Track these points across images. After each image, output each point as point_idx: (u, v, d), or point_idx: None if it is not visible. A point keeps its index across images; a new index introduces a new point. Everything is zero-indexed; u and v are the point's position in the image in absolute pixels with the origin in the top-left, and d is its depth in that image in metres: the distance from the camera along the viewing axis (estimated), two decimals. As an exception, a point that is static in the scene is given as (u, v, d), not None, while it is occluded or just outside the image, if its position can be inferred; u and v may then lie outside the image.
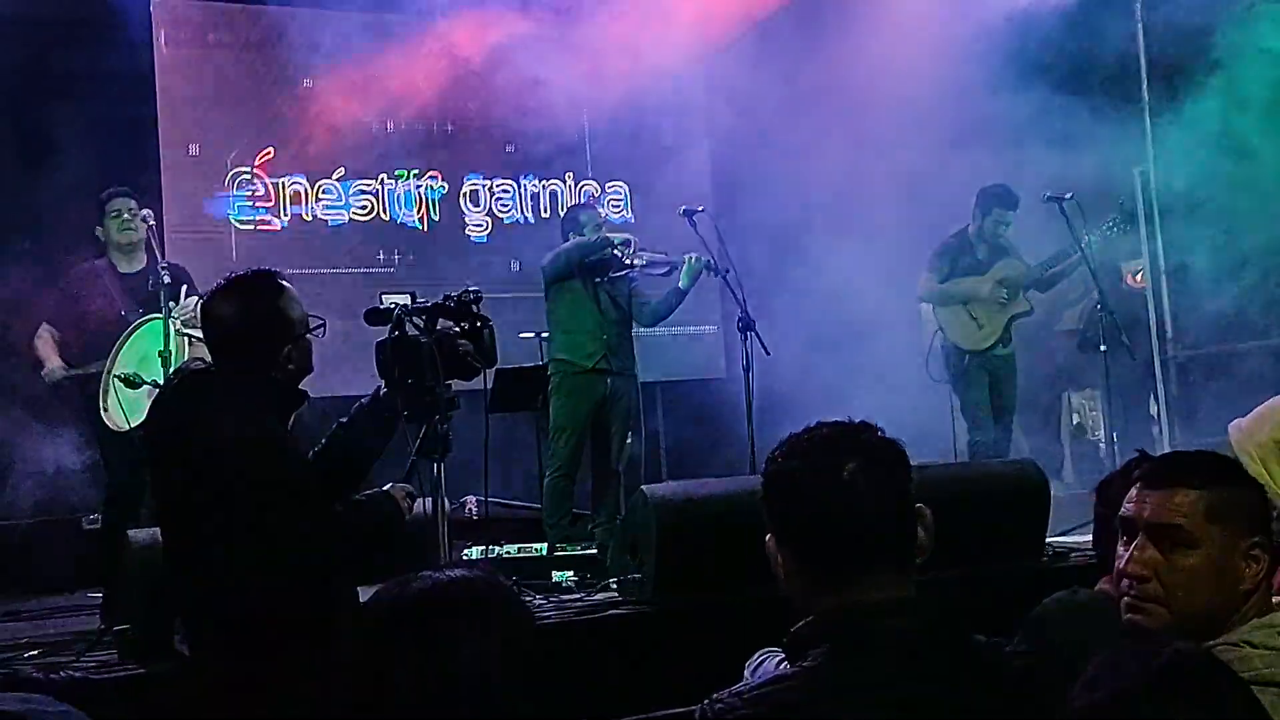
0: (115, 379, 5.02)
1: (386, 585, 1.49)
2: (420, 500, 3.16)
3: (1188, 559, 1.86)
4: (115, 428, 5.04)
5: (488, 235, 7.94)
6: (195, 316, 5.15)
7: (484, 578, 1.50)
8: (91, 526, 5.88)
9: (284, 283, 2.94)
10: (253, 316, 2.85)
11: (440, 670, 1.41)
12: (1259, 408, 2.68)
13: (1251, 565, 1.85)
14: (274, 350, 2.85)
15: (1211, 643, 1.78)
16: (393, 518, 2.95)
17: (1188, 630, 1.84)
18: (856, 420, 1.78)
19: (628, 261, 5.84)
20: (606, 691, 3.39)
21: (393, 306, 3.16)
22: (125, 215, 5.44)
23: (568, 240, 6.00)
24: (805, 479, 1.72)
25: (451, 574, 1.48)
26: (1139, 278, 7.27)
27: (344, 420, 3.07)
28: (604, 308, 5.89)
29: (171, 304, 5.11)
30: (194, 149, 7.15)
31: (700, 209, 5.76)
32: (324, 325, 2.97)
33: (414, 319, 3.20)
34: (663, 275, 5.98)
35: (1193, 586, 1.86)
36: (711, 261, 5.80)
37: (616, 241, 5.87)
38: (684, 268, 5.89)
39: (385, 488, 3.02)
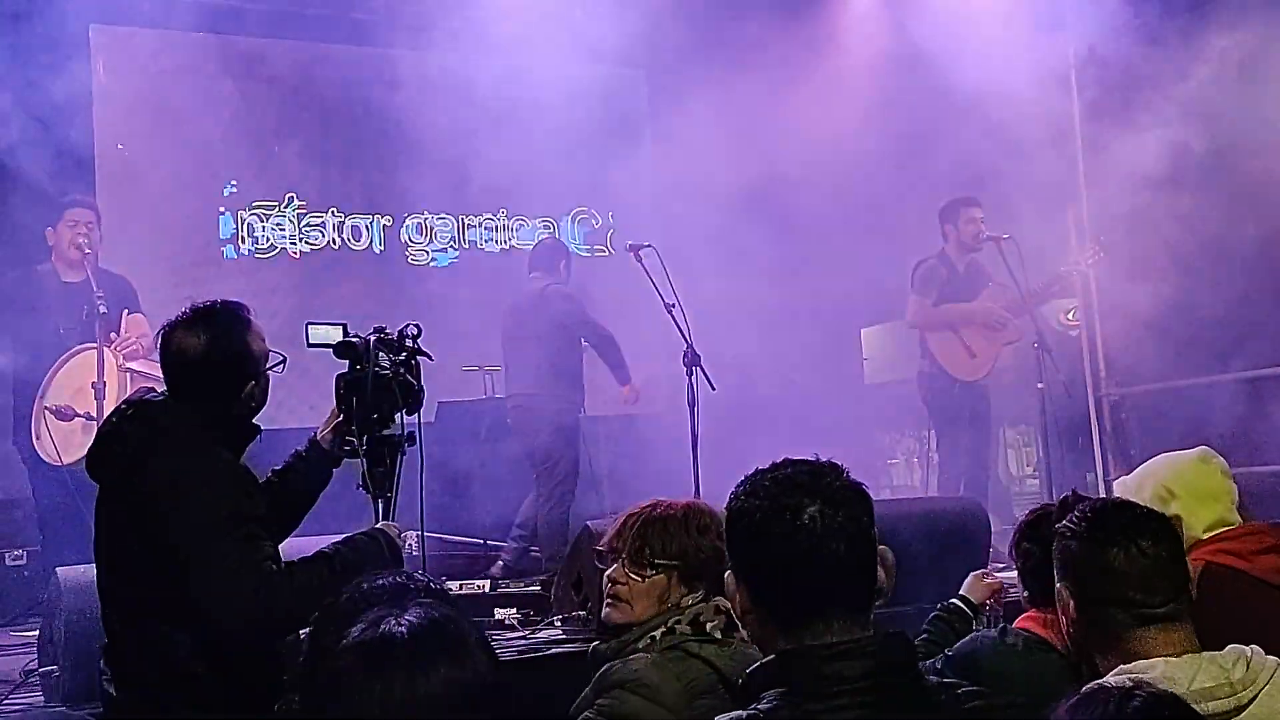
0: (47, 411, 4.91)
1: (355, 627, 1.41)
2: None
3: None
4: (48, 459, 4.91)
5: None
6: (139, 346, 5.04)
7: (449, 615, 1.42)
8: (16, 563, 5.71)
9: (250, 316, 2.84)
10: (218, 351, 2.74)
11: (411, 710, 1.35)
12: (1144, 465, 2.81)
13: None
14: (238, 386, 2.76)
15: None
16: (391, 548, 2.81)
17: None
18: (823, 460, 1.75)
19: None
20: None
21: (362, 338, 3.01)
22: (82, 226, 5.31)
23: None
24: (764, 520, 1.70)
25: (419, 614, 1.40)
26: (1071, 316, 7.38)
27: (278, 469, 3.00)
28: None
29: (113, 335, 5.01)
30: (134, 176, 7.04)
31: (646, 244, 5.76)
32: (284, 361, 2.87)
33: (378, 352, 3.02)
34: None
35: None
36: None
37: None
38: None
39: (378, 525, 2.88)
